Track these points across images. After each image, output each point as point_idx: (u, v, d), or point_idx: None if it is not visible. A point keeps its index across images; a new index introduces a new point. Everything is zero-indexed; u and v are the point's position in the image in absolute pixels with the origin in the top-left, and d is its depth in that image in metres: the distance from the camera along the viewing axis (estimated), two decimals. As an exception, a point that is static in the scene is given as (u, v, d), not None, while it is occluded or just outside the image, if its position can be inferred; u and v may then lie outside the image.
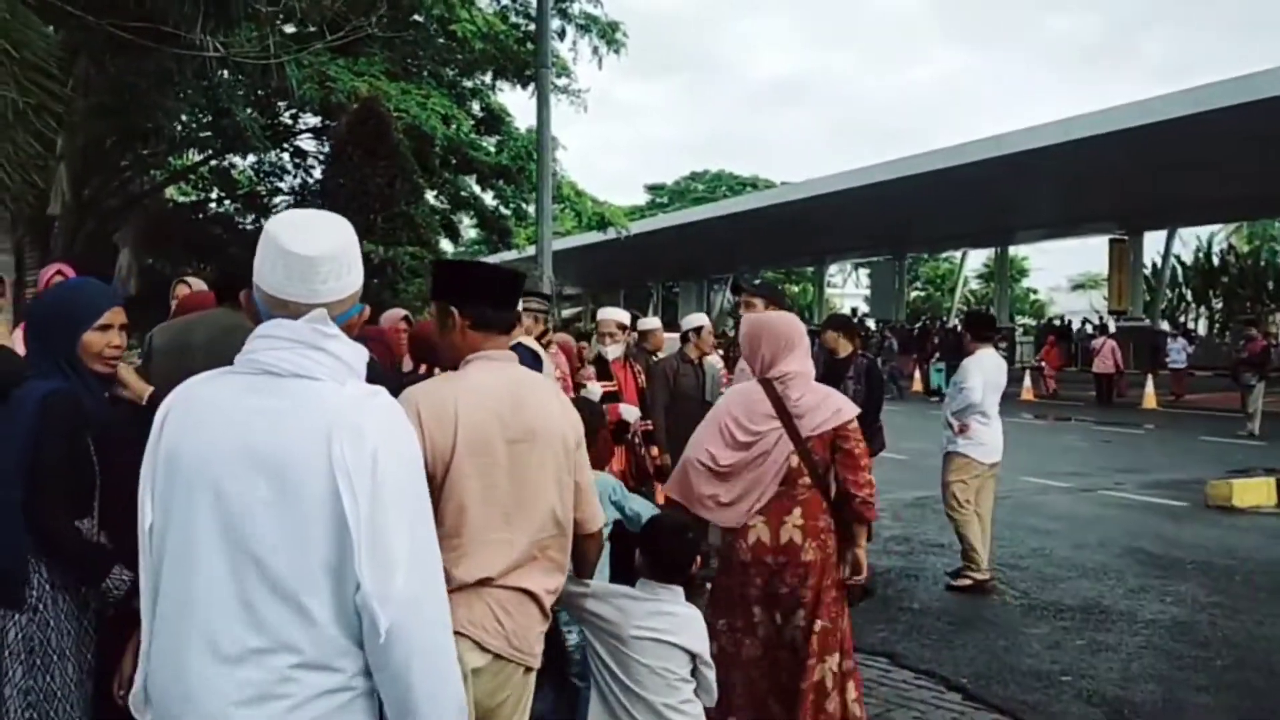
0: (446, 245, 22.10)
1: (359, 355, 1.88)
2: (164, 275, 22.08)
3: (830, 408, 3.66)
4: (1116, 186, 26.01)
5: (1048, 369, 25.63)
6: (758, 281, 6.15)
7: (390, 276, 9.66)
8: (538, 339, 5.17)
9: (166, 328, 3.70)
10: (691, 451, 3.74)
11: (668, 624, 3.04)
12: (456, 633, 2.60)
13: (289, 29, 14.46)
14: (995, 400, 6.88)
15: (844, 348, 6.73)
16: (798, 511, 3.61)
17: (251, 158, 21.76)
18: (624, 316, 6.20)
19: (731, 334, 30.74)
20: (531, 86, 17.92)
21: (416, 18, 18.28)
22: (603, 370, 5.86)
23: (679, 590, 3.14)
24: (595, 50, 17.55)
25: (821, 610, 3.61)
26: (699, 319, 6.99)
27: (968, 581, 6.73)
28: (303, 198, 18.97)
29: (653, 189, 66.64)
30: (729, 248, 43.62)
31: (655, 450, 5.91)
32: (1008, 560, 7.60)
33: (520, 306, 5.31)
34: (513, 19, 17.57)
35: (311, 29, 17.14)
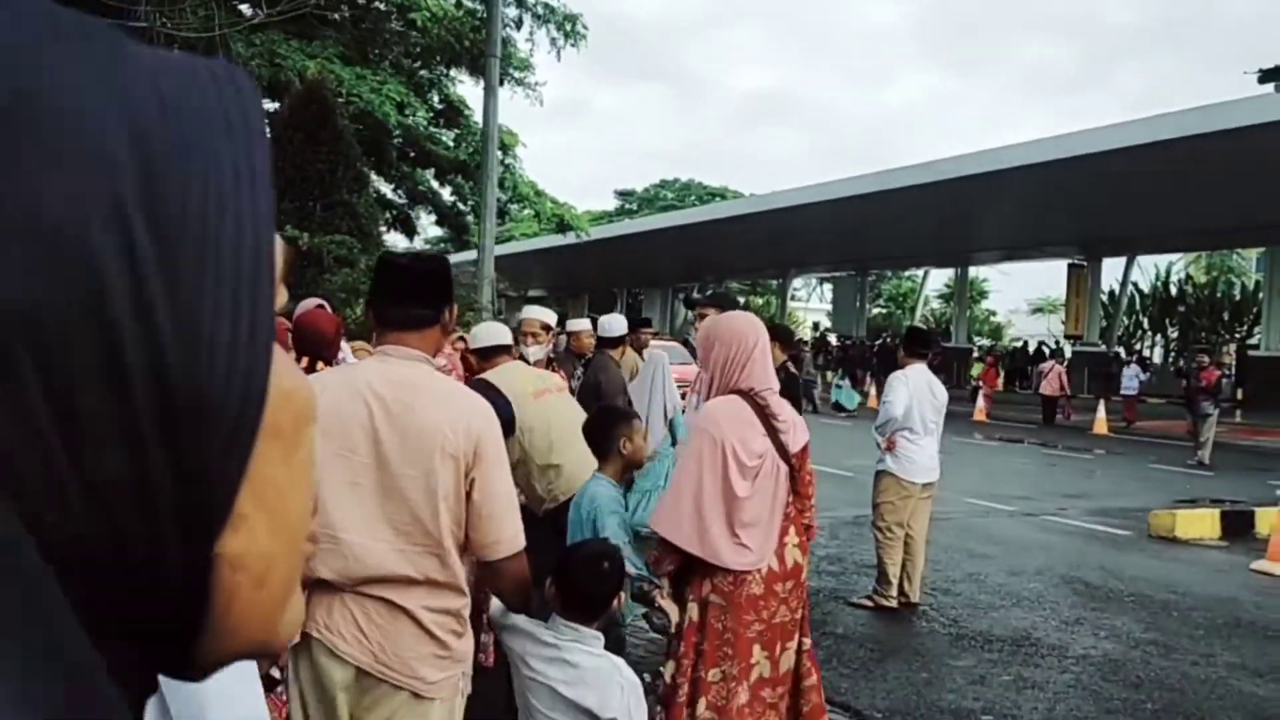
0: (398, 238, 21.70)
1: None
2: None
3: (801, 425, 3.47)
4: (1077, 212, 26.05)
5: (985, 389, 25.73)
6: (709, 291, 5.87)
7: (317, 265, 9.27)
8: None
9: None
10: (689, 486, 3.30)
11: (566, 675, 2.63)
12: (306, 634, 2.33)
13: (245, 9, 14.08)
14: (929, 418, 6.61)
15: (776, 358, 6.48)
16: (792, 531, 3.43)
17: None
18: (549, 316, 5.85)
19: (684, 342, 30.42)
20: (502, 84, 17.69)
21: (377, 4, 17.97)
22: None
23: (594, 636, 2.70)
24: (554, 42, 17.22)
25: (805, 626, 3.50)
26: (576, 324, 7.35)
27: (869, 604, 6.55)
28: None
29: (622, 195, 66.47)
30: (694, 256, 43.44)
31: None
32: (940, 585, 7.34)
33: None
34: (468, 3, 17.13)
35: (263, 10, 16.78)
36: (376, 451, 2.33)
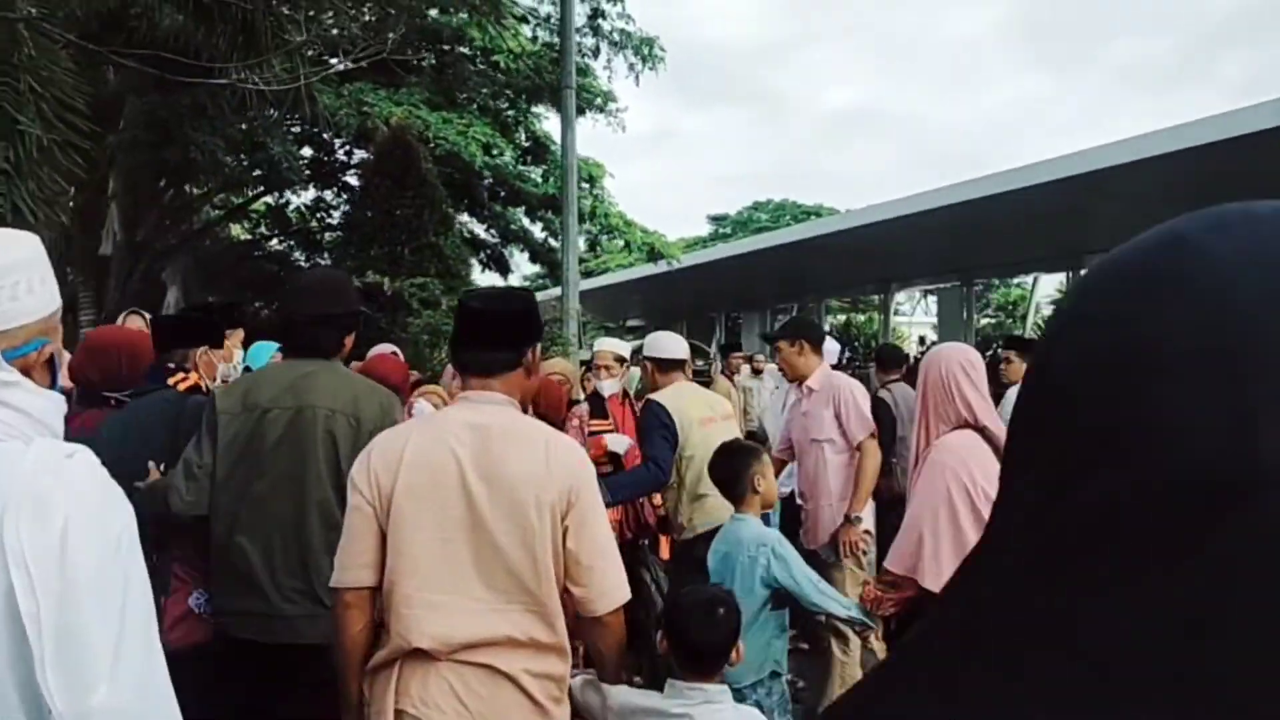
0: (493, 277, 21.84)
1: (49, 404, 1.38)
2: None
3: None
4: (1193, 207, 24.88)
5: None
6: (784, 320, 5.56)
7: (404, 309, 9.28)
8: None
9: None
10: (930, 523, 3.18)
11: None
12: (401, 711, 2.14)
13: (334, 62, 14.35)
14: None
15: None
16: None
17: (308, 195, 21.87)
18: (622, 348, 5.62)
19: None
20: (580, 116, 17.69)
21: (462, 49, 18.17)
22: (598, 408, 5.30)
23: (720, 690, 2.47)
24: (632, 67, 17.16)
25: None
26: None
27: None
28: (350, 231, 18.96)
29: (715, 220, 66.31)
30: (792, 276, 42.96)
31: (657, 498, 5.33)
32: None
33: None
34: (545, 37, 17.23)
35: (350, 62, 17.13)
36: (468, 505, 2.19)
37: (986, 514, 2.82)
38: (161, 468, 3.17)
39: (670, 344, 5.03)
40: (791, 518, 5.75)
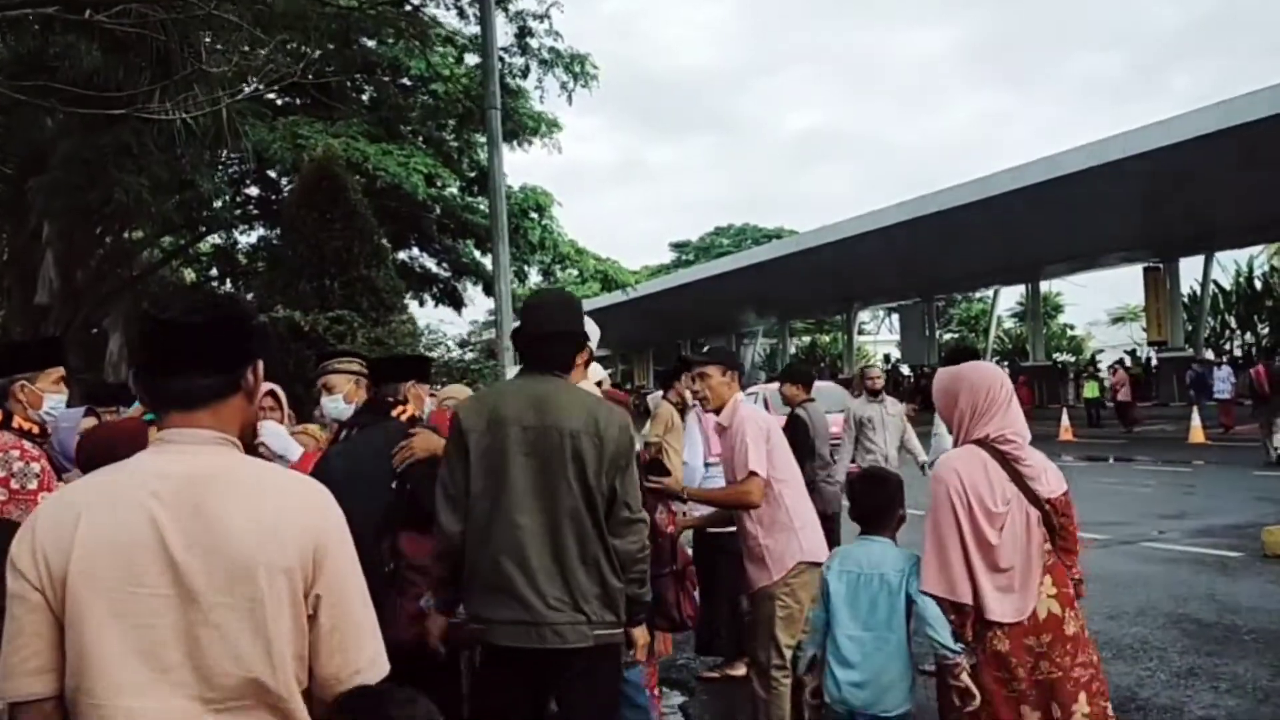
0: (445, 312, 21.37)
1: None
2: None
3: (1054, 473, 3.35)
4: (1146, 212, 24.94)
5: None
6: (706, 348, 5.14)
7: (319, 344, 8.78)
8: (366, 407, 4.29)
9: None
10: (952, 540, 3.20)
11: None
12: None
13: (247, 90, 13.93)
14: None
15: (795, 397, 7.18)
16: (1049, 580, 3.21)
17: (254, 235, 21.32)
18: (596, 374, 5.23)
19: (748, 390, 29.74)
20: (516, 142, 17.32)
21: (404, 80, 17.81)
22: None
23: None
24: (564, 86, 16.80)
25: (1095, 690, 3.17)
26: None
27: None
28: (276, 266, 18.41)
29: (678, 246, 66.21)
30: (754, 300, 42.82)
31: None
32: (1029, 639, 6.48)
33: (333, 368, 4.47)
34: (475, 60, 16.81)
35: (264, 87, 16.70)
36: (174, 580, 1.64)
37: (983, 523, 3.11)
38: None
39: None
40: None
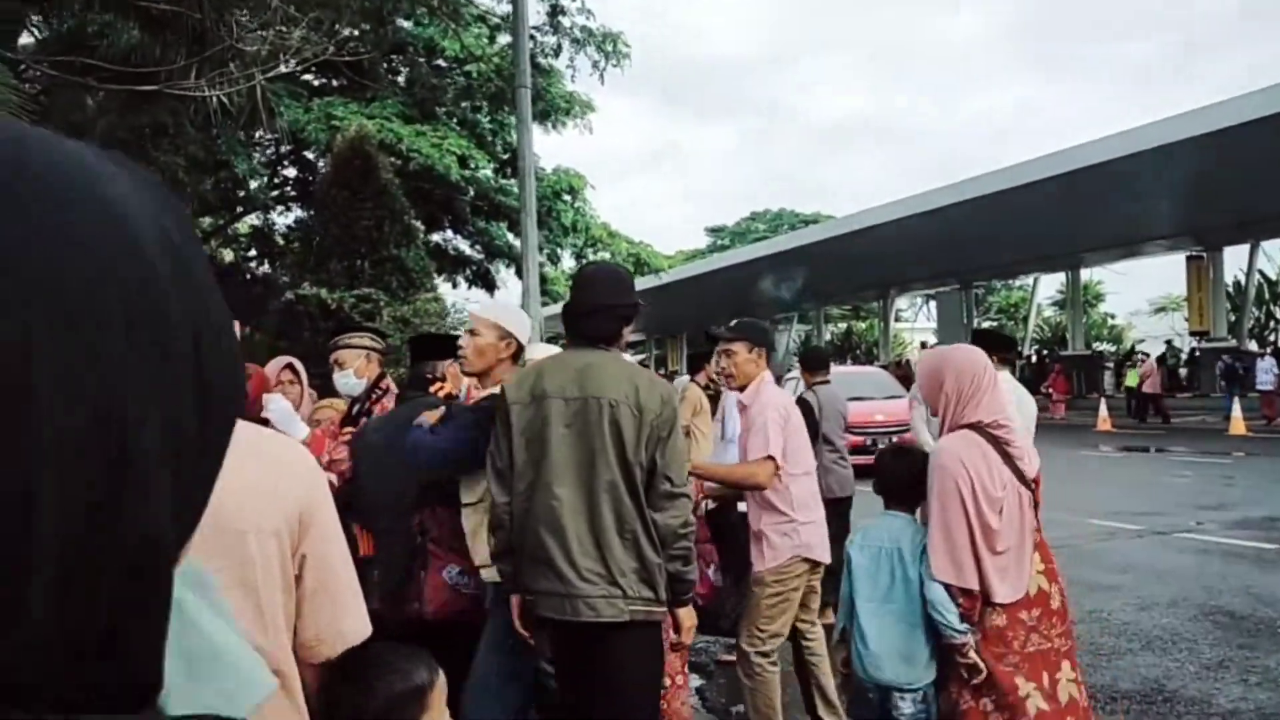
0: (477, 294, 21.40)
1: None
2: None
3: (1033, 453, 3.47)
4: (1190, 200, 24.47)
5: (1055, 395, 25.45)
6: (734, 322, 4.89)
7: (341, 322, 8.79)
8: (375, 383, 4.26)
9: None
10: (958, 526, 3.28)
11: None
12: None
13: (283, 68, 13.98)
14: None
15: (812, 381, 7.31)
16: (1036, 557, 3.37)
17: (293, 215, 21.43)
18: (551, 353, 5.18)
19: (786, 369, 29.59)
20: (549, 123, 17.27)
21: (439, 61, 17.80)
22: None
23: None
24: (596, 65, 16.70)
25: (1074, 659, 3.38)
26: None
27: None
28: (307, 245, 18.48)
29: (713, 231, 65.98)
30: (790, 285, 42.54)
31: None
32: (1056, 628, 6.38)
33: (344, 343, 4.46)
34: (506, 40, 16.79)
35: (318, 75, 16.74)
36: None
37: (986, 509, 3.22)
38: None
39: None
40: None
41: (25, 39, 15.18)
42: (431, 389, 4.10)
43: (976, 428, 3.35)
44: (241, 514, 1.62)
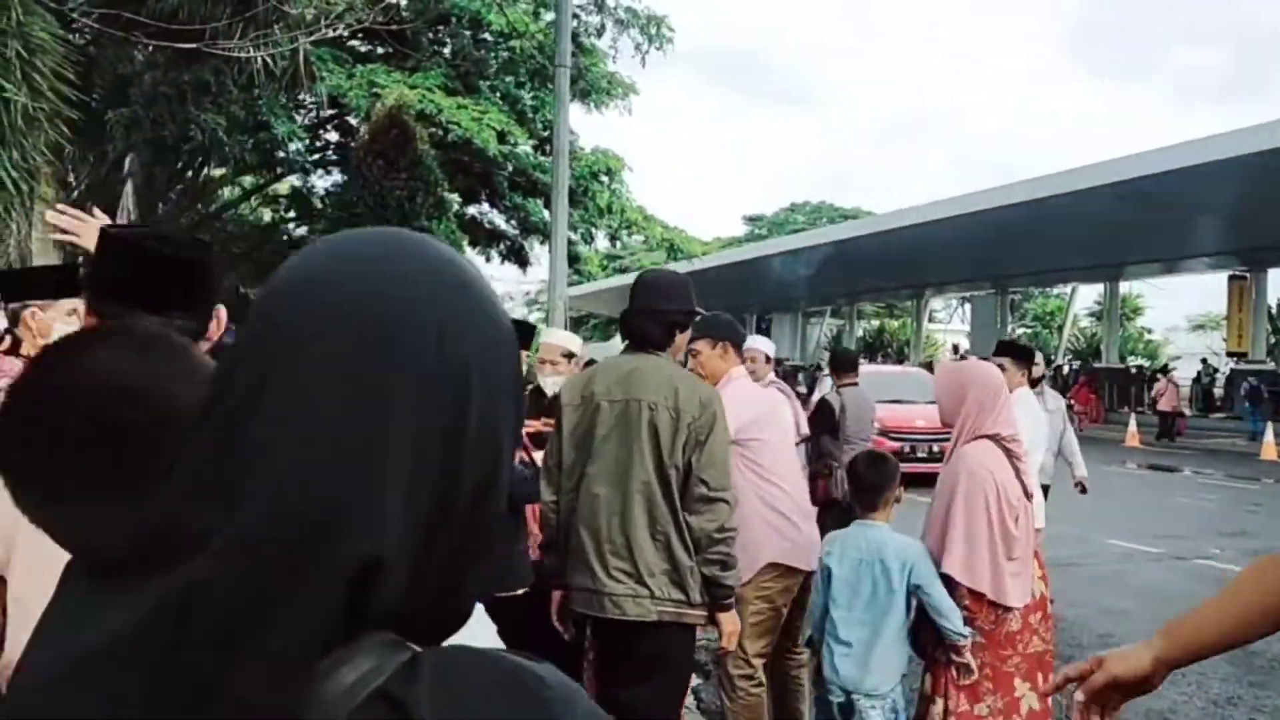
0: (510, 270, 21.44)
1: None
2: (229, 297, 22.11)
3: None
4: (1236, 218, 24.04)
5: (1078, 407, 25.57)
6: (702, 317, 4.43)
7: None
8: None
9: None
10: (981, 531, 3.40)
11: None
12: None
13: (329, 32, 14.01)
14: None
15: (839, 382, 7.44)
16: (1034, 563, 3.58)
17: (332, 179, 21.52)
18: (572, 342, 5.12)
19: (815, 368, 29.55)
20: (590, 102, 17.20)
21: (484, 36, 17.77)
22: (540, 406, 4.77)
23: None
24: (638, 47, 16.60)
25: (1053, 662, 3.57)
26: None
27: None
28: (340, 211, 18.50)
29: (751, 220, 65.59)
30: (824, 279, 42.27)
31: None
32: (1064, 651, 6.27)
33: (541, 348, 4.73)
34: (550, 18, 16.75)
35: (364, 41, 16.74)
36: None
37: (1008, 517, 3.42)
38: None
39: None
40: None
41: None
42: None
43: (994, 439, 3.49)
44: None
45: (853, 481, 3.76)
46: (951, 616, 3.33)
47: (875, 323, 58.42)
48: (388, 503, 0.63)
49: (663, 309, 3.38)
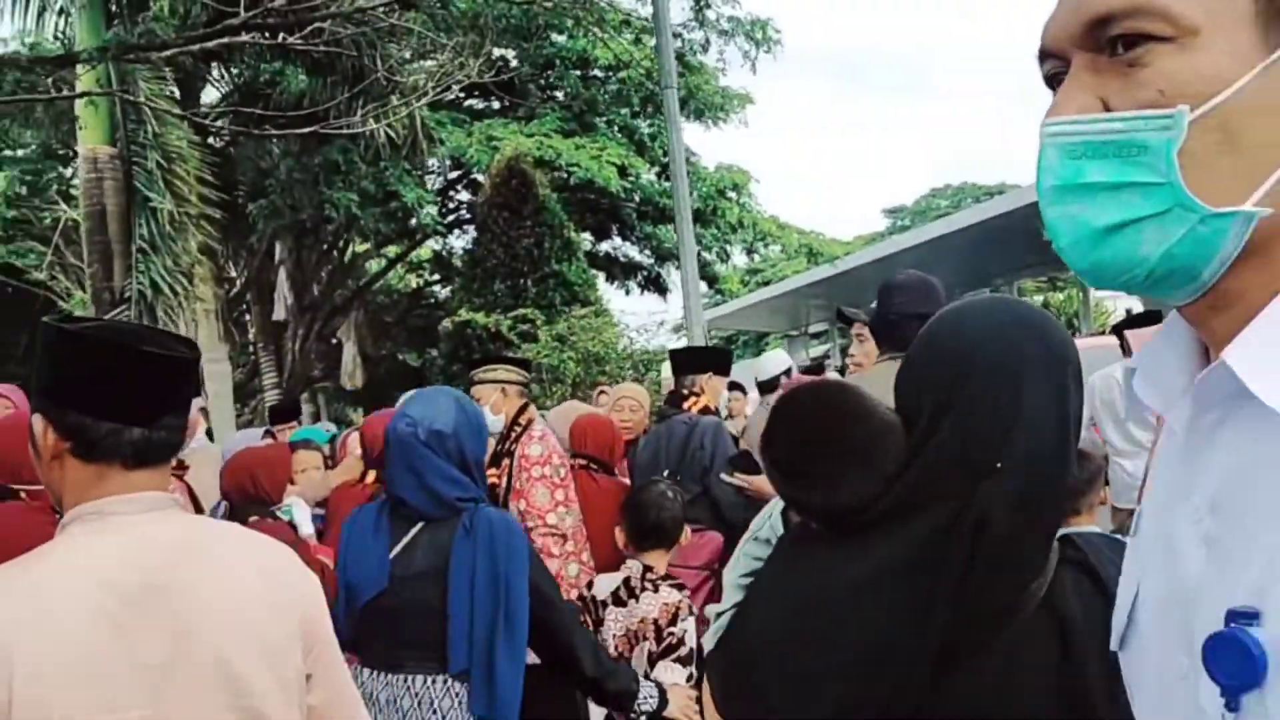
0: (650, 300, 21.47)
1: None
2: (389, 364, 22.81)
3: None
4: None
5: None
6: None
7: (505, 345, 8.79)
8: (515, 418, 3.93)
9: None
10: None
11: None
12: None
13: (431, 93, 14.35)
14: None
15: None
16: None
17: (469, 236, 22.03)
18: (642, 395, 4.91)
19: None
20: (706, 120, 17.07)
21: (595, 73, 17.91)
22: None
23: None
24: (746, 55, 16.33)
25: None
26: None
27: None
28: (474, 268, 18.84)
29: (891, 212, 64.12)
30: (978, 260, 40.87)
31: None
32: None
33: (478, 378, 4.12)
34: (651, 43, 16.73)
35: (479, 98, 17.10)
36: (153, 694, 1.33)
37: None
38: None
39: (769, 364, 4.89)
40: None
41: (209, 93, 16.08)
42: (685, 404, 4.21)
43: None
44: (238, 645, 1.40)
45: None
46: None
47: (1039, 298, 56.20)
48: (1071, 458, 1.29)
49: (915, 313, 3.12)
